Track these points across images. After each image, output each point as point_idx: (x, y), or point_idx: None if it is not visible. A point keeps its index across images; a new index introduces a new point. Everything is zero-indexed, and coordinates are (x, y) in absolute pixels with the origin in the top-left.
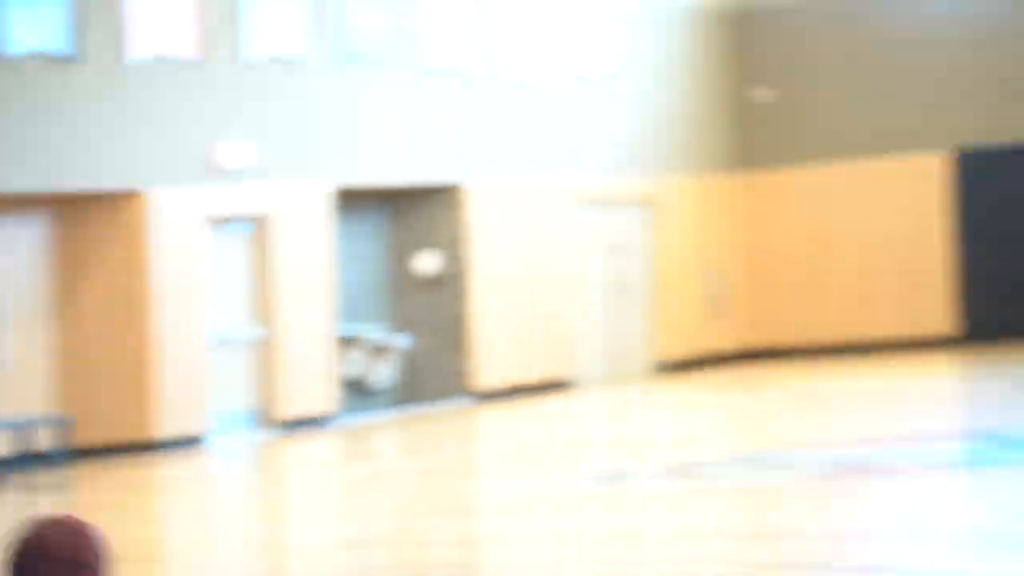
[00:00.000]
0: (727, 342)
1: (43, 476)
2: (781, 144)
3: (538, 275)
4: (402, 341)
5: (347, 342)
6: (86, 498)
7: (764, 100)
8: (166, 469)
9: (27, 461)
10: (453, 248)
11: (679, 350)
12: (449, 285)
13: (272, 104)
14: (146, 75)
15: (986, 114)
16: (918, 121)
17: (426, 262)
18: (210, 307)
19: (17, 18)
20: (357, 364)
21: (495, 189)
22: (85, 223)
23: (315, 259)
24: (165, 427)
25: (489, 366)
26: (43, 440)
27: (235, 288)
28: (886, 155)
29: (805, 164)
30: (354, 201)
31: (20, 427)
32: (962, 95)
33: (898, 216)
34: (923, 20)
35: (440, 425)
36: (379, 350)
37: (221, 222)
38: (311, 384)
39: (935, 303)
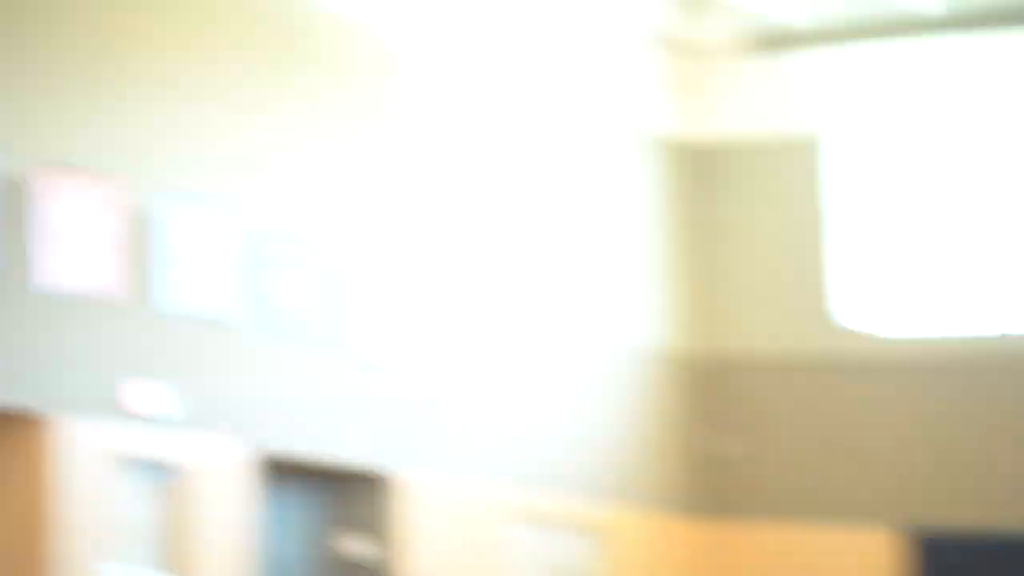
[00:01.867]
0: None
1: None
2: (748, 496)
3: None
4: None
5: None
6: None
7: (728, 451)
8: None
9: None
10: (382, 536)
11: None
12: (377, 573)
13: (195, 355)
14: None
15: (950, 496)
16: (872, 493)
17: (355, 546)
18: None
19: None
20: None
21: (428, 484)
22: None
23: (233, 522)
24: None
25: None
26: None
27: (142, 539)
28: (843, 525)
29: (770, 521)
30: (282, 473)
31: None
32: (921, 474)
33: None
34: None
35: None
36: None
37: (131, 463)
38: None
39: None
